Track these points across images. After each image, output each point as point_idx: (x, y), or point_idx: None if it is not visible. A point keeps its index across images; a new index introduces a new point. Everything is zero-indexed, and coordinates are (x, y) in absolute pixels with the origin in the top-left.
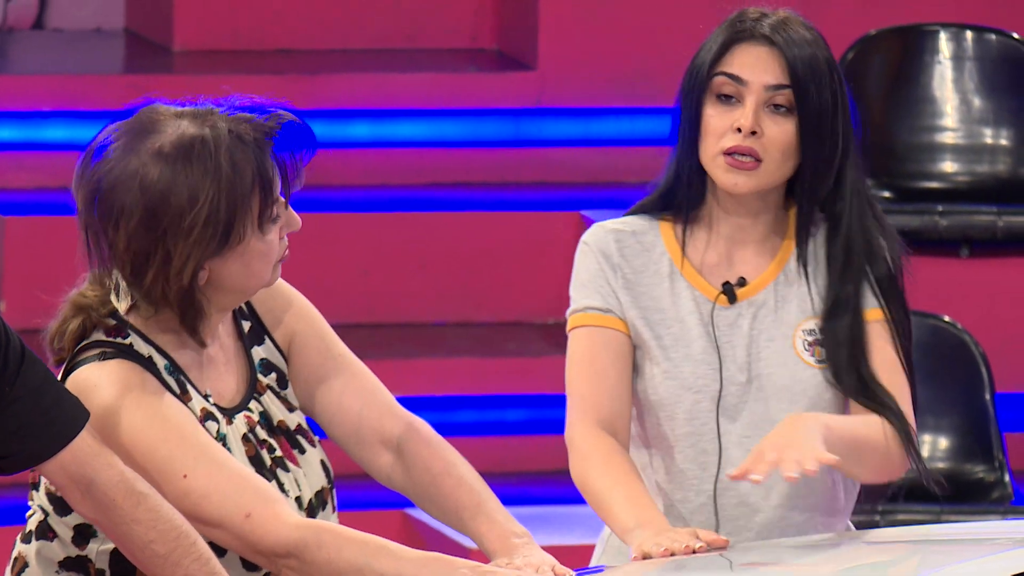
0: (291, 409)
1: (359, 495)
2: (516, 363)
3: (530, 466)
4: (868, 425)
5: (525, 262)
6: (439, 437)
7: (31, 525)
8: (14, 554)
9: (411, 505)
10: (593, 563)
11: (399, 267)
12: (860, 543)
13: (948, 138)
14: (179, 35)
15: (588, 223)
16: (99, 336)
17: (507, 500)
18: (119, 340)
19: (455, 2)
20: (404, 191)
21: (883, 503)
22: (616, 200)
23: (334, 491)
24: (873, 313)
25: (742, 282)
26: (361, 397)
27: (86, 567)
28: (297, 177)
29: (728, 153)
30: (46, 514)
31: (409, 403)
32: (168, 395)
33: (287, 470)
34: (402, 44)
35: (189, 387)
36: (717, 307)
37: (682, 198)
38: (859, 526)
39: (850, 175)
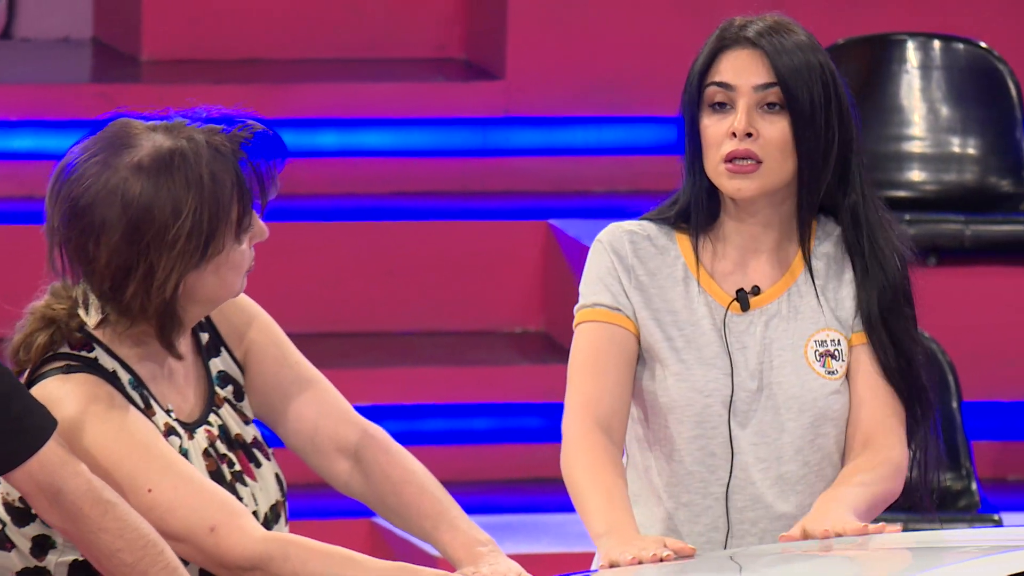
0: (246, 422)
1: (326, 504)
2: (483, 372)
3: (497, 475)
4: (877, 479)
5: (492, 271)
6: (397, 445)
7: None
8: None
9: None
10: (594, 566)
11: (366, 276)
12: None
13: (916, 147)
14: (147, 45)
15: (555, 232)
16: (64, 349)
17: (474, 509)
18: (84, 354)
19: (422, 12)
20: (371, 200)
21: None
22: (583, 209)
23: (286, 504)
24: (859, 337)
25: (756, 291)
26: (316, 405)
27: None
28: (272, 186)
29: (729, 160)
30: (3, 525)
31: (376, 412)
32: (133, 409)
33: (245, 484)
34: (369, 54)
35: (152, 402)
36: (730, 314)
37: (696, 216)
38: None
39: (857, 173)
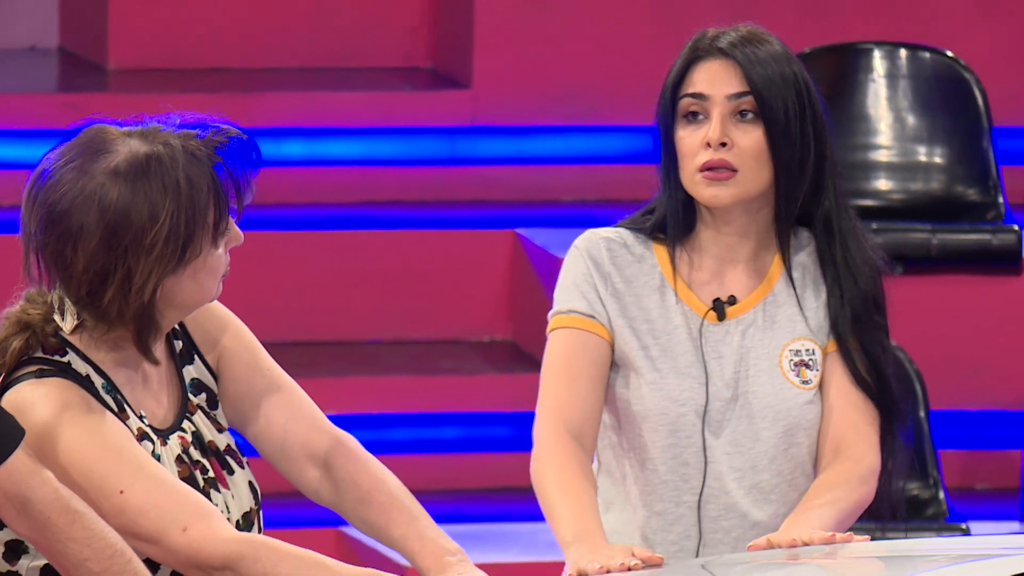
0: (220, 430)
1: (293, 513)
2: (451, 381)
3: (465, 484)
4: (848, 489)
5: (460, 280)
6: (367, 453)
7: None
8: None
9: (346, 523)
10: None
11: (334, 285)
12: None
13: (882, 156)
14: (114, 54)
15: (523, 241)
16: (38, 354)
17: (442, 518)
18: (57, 358)
19: (390, 21)
20: (339, 209)
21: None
22: (551, 218)
23: (260, 512)
24: (832, 345)
25: (732, 300)
26: (287, 411)
27: None
28: (248, 190)
29: (704, 169)
30: None
31: (344, 421)
32: (106, 413)
33: (218, 491)
34: (337, 63)
35: (126, 406)
36: (706, 323)
37: (673, 227)
38: None
39: (831, 183)
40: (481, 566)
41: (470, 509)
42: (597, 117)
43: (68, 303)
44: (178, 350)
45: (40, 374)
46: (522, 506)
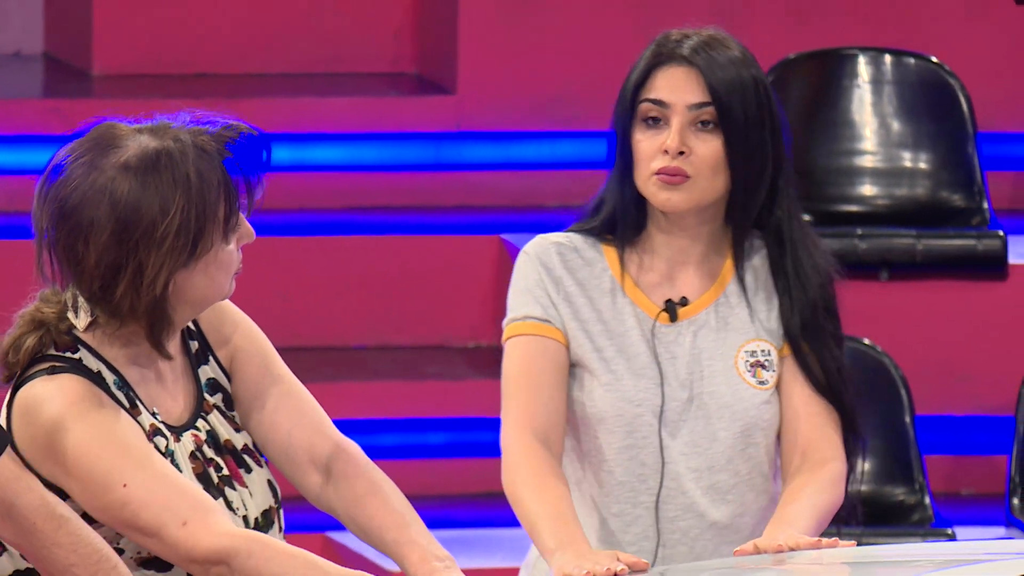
0: (237, 430)
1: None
2: (437, 386)
3: (452, 489)
4: (822, 492)
5: (446, 286)
6: (367, 459)
7: None
8: None
9: (332, 528)
10: None
11: (319, 291)
12: (786, 566)
13: (867, 161)
14: (99, 59)
15: (508, 247)
16: (50, 351)
17: (428, 523)
18: (69, 355)
19: (375, 26)
20: (324, 215)
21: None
22: (536, 224)
23: (281, 511)
24: (787, 349)
25: (684, 301)
26: (293, 416)
27: None
28: (259, 185)
29: (659, 173)
30: None
31: None
32: (116, 408)
33: (234, 488)
34: (322, 68)
35: (138, 403)
36: (658, 325)
37: (623, 227)
38: None
39: (785, 191)
40: (467, 571)
41: (456, 514)
42: (582, 123)
43: (81, 300)
44: (194, 350)
45: (52, 371)
46: (508, 511)
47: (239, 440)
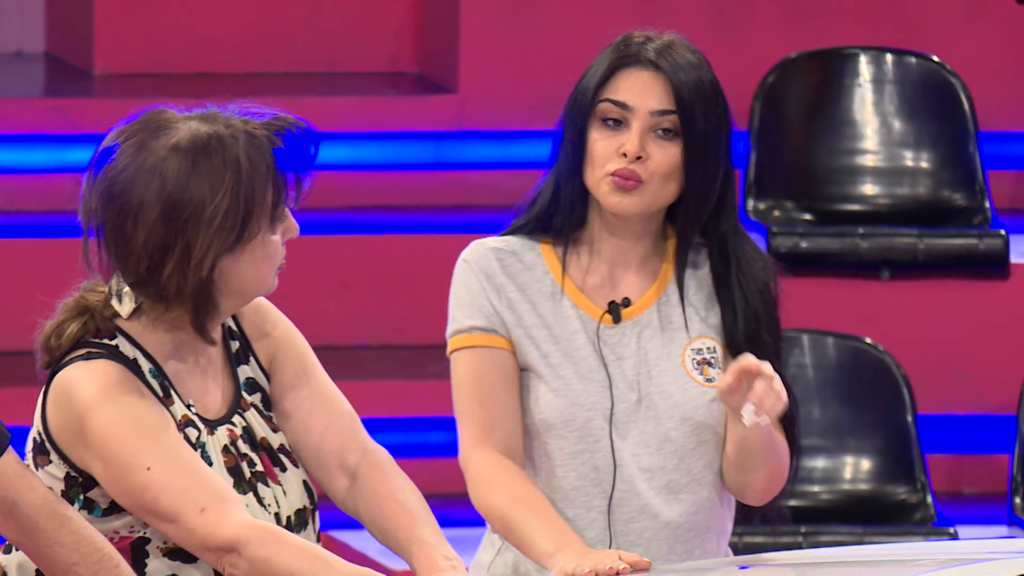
0: (275, 429)
1: None
2: (437, 386)
3: (452, 488)
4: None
5: (445, 285)
6: (392, 463)
7: None
8: None
9: (333, 528)
10: None
11: (320, 289)
12: (781, 566)
13: (868, 161)
14: (100, 59)
15: None
16: (87, 337)
17: None
18: (106, 341)
19: (375, 26)
20: (325, 214)
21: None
22: None
23: (316, 513)
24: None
25: (627, 302)
26: (326, 419)
27: None
28: (306, 176)
29: (612, 175)
30: None
31: None
32: (147, 395)
33: (268, 485)
34: (322, 68)
35: (172, 392)
36: (602, 327)
37: (563, 221)
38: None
39: (731, 198)
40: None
41: (456, 513)
42: None
43: (126, 288)
44: (234, 350)
45: (88, 356)
46: None
47: (275, 439)
